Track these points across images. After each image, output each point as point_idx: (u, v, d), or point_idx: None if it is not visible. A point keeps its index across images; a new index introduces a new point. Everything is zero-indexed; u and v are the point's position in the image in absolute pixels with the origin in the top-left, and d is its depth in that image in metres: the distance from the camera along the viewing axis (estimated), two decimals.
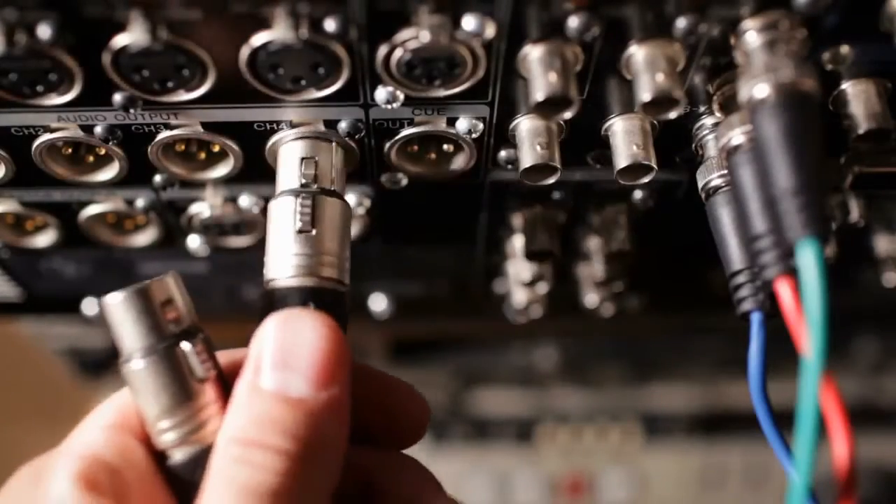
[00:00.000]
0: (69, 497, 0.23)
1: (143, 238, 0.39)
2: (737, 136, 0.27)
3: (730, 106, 0.29)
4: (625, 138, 0.31)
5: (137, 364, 0.25)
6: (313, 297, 0.27)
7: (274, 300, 0.27)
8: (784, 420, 0.27)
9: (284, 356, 0.25)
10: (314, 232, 0.28)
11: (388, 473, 0.29)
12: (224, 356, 0.27)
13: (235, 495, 0.23)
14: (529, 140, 0.30)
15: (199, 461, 0.25)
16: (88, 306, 0.46)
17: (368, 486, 0.29)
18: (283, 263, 0.28)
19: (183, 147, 0.33)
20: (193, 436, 0.25)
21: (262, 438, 0.23)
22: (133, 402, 0.25)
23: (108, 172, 0.33)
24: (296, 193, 0.29)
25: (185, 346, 0.25)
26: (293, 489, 0.23)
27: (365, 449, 0.29)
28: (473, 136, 0.31)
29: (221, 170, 0.33)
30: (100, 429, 0.25)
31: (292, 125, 0.30)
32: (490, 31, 0.26)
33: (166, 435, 0.25)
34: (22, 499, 0.24)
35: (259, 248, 0.38)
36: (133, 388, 0.25)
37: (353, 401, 0.26)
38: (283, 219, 0.29)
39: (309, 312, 0.26)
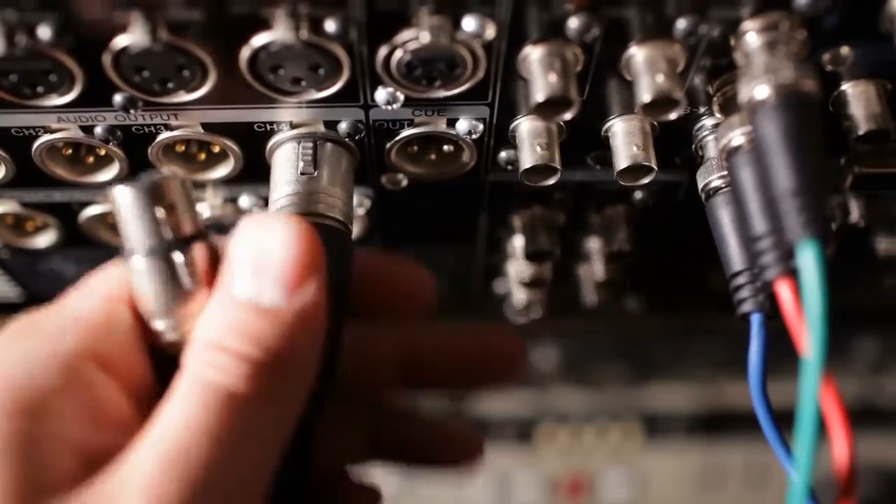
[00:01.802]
0: (51, 358, 0.24)
1: None
2: (737, 137, 0.27)
3: (730, 107, 0.29)
4: (625, 139, 0.31)
5: (138, 262, 0.25)
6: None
7: None
8: (784, 420, 0.27)
9: (255, 262, 0.24)
10: (315, 174, 0.29)
11: (429, 346, 0.29)
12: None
13: (198, 392, 0.23)
14: (529, 141, 0.30)
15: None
16: None
17: (410, 363, 0.29)
18: (282, 203, 0.28)
19: (183, 148, 0.33)
20: (181, 338, 0.26)
21: (229, 344, 0.24)
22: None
23: (109, 173, 0.33)
24: (298, 139, 0.29)
25: (178, 256, 0.25)
26: (258, 394, 0.24)
27: (399, 325, 0.29)
28: (473, 136, 0.31)
29: (221, 171, 0.33)
30: (98, 295, 0.26)
31: (292, 126, 0.30)
32: (490, 32, 0.26)
33: (158, 331, 0.26)
34: (5, 353, 0.24)
35: None
36: (133, 282, 0.26)
37: (355, 280, 0.25)
38: (286, 163, 0.29)
39: (281, 216, 0.25)
